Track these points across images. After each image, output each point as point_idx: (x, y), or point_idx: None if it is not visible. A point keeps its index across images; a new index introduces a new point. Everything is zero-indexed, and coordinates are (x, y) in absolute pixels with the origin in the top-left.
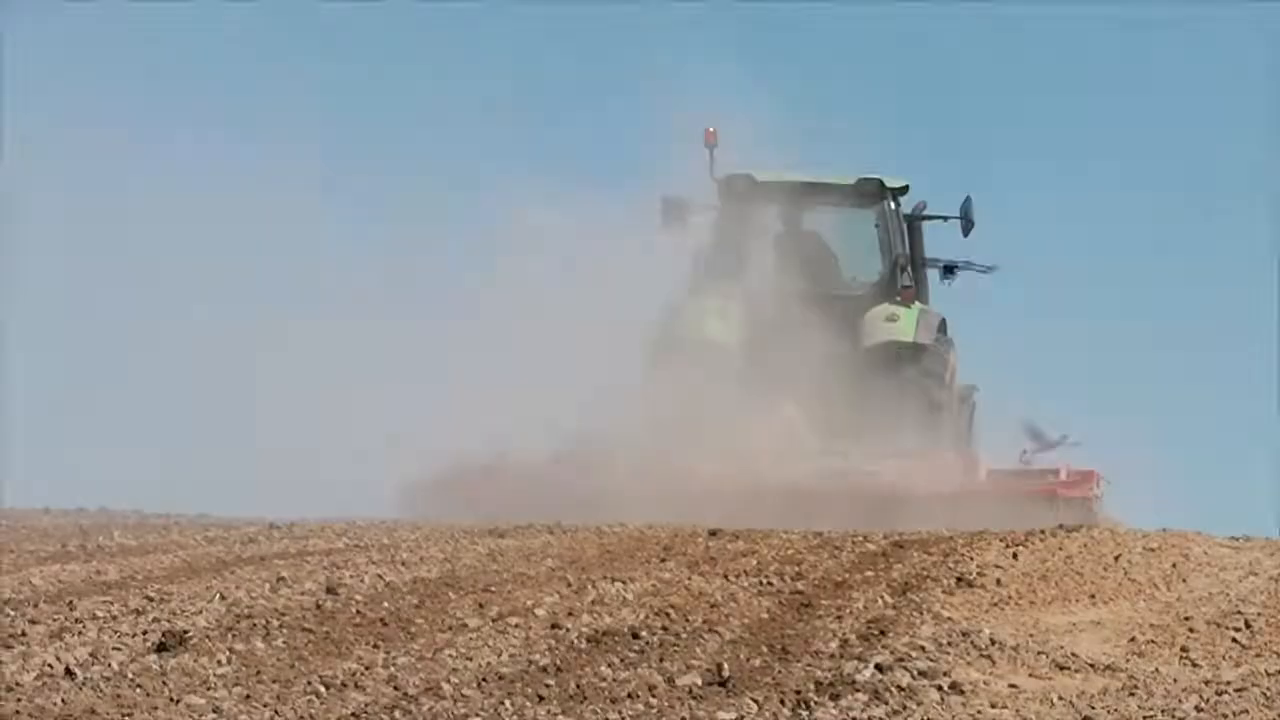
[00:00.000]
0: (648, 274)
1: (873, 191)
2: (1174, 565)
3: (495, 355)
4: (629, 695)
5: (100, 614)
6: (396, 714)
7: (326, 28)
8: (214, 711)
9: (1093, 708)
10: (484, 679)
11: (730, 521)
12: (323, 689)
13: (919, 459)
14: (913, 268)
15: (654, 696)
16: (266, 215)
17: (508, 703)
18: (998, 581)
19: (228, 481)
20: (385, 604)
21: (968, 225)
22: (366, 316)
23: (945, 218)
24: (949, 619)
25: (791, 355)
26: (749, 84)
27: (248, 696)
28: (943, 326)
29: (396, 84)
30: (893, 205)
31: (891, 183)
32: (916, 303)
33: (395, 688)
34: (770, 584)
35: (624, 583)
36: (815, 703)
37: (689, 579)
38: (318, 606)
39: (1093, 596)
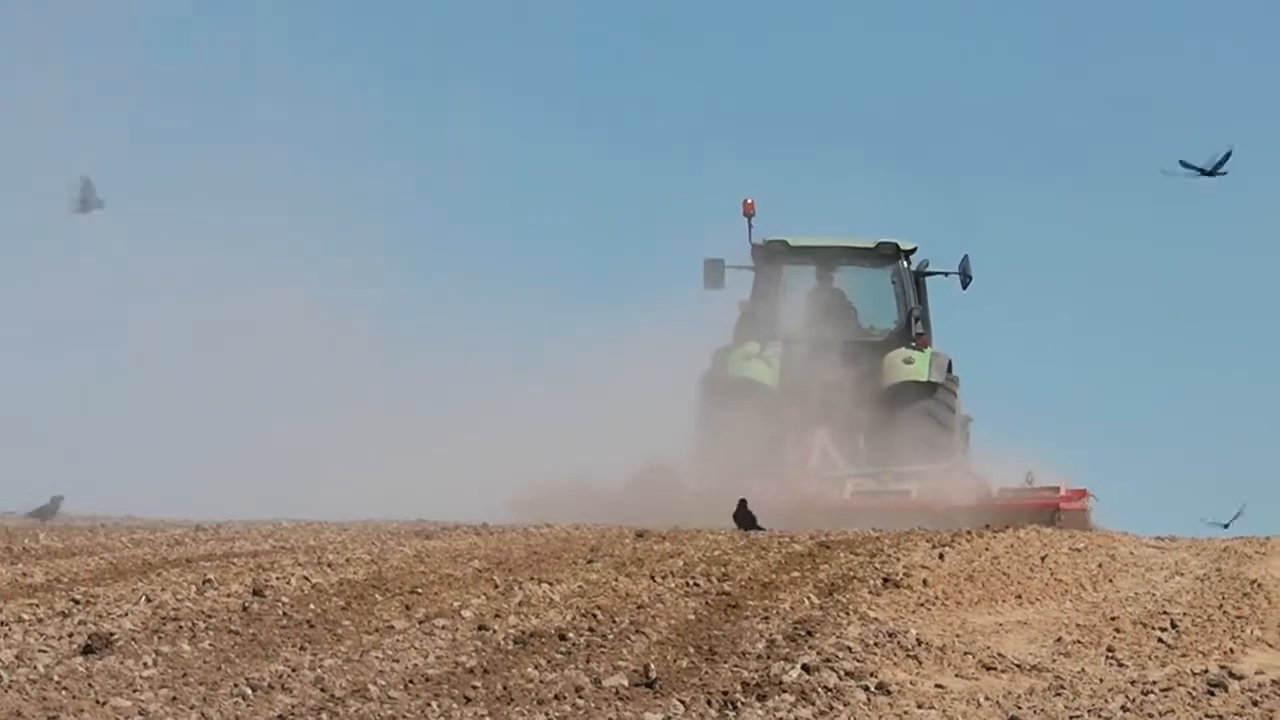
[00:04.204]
0: (697, 327)
1: (890, 253)
2: (1100, 565)
3: (574, 399)
4: (556, 696)
5: (26, 616)
6: (324, 716)
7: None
8: (140, 714)
9: (1019, 708)
10: (411, 681)
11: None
12: (250, 691)
13: (941, 478)
14: (923, 316)
15: (581, 698)
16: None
17: (434, 704)
18: (924, 582)
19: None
20: (312, 606)
21: (966, 279)
22: (479, 371)
23: (946, 273)
24: (876, 619)
25: (823, 393)
26: (777, 160)
27: (174, 699)
28: (950, 367)
29: (485, 158)
30: (906, 264)
31: (904, 245)
32: (929, 347)
33: (322, 689)
34: (697, 585)
35: (551, 584)
36: (742, 703)
37: (616, 580)
38: (244, 608)
39: (1019, 597)
